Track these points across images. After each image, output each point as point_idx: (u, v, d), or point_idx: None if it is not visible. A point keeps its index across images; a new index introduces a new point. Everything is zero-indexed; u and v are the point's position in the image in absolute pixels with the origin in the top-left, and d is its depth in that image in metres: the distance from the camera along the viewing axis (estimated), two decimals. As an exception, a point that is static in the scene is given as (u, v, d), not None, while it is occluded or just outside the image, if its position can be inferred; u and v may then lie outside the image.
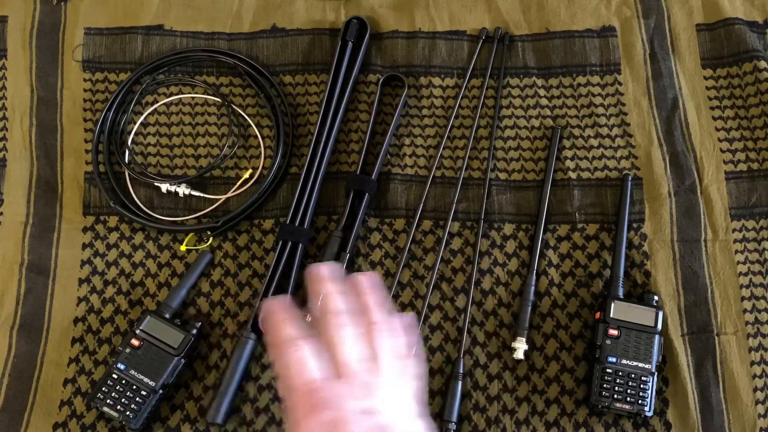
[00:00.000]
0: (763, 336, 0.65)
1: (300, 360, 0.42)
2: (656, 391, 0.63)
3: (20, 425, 0.62)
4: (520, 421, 0.62)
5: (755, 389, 0.63)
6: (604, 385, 0.60)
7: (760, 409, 0.62)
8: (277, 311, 0.44)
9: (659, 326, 0.62)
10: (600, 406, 0.60)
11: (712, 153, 0.70)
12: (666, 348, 0.64)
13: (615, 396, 0.60)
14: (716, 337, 0.64)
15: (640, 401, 0.60)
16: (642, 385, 0.60)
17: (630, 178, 0.68)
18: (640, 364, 0.61)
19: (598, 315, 0.63)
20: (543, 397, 0.63)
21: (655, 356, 0.61)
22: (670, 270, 0.66)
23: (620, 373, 0.60)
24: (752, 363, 0.64)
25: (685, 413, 0.62)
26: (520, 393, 0.63)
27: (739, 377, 0.63)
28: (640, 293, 0.65)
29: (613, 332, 0.61)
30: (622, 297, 0.64)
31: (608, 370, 0.61)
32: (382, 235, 0.68)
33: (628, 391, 0.60)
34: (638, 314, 0.62)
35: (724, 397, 0.63)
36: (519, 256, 0.67)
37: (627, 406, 0.60)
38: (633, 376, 0.60)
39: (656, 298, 0.64)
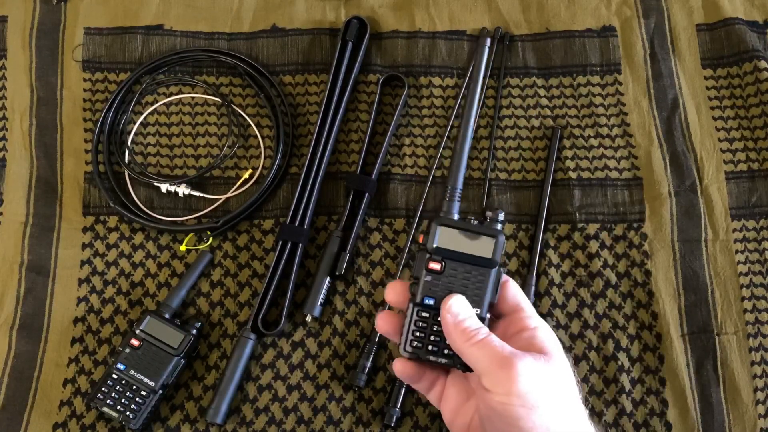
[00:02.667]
0: (764, 336, 0.64)
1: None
2: (654, 391, 0.63)
3: (20, 425, 0.62)
4: (520, 421, 0.62)
5: (755, 389, 0.63)
6: (417, 333, 0.47)
7: (761, 409, 0.62)
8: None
9: (497, 257, 0.47)
10: (413, 357, 0.48)
11: (713, 153, 0.70)
12: (665, 348, 0.64)
13: (429, 347, 0.47)
14: (716, 337, 0.64)
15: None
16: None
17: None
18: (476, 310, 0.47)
19: (421, 238, 0.49)
20: (543, 397, 0.63)
21: (488, 297, 0.47)
22: (670, 270, 0.66)
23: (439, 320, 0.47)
24: (752, 363, 0.64)
25: (685, 413, 0.62)
26: (520, 393, 0.63)
27: (739, 377, 0.63)
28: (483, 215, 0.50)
29: (435, 266, 0.47)
30: (454, 221, 0.49)
31: (424, 315, 0.47)
32: (382, 235, 0.68)
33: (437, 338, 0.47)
34: (470, 244, 0.48)
35: (724, 397, 0.63)
36: (519, 256, 0.67)
37: (443, 360, 0.47)
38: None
39: (501, 214, 0.49)
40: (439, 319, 0.46)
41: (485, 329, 0.45)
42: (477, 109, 0.61)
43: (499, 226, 0.48)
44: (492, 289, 0.47)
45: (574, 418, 0.44)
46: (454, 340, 0.45)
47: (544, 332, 0.47)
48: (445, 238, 0.48)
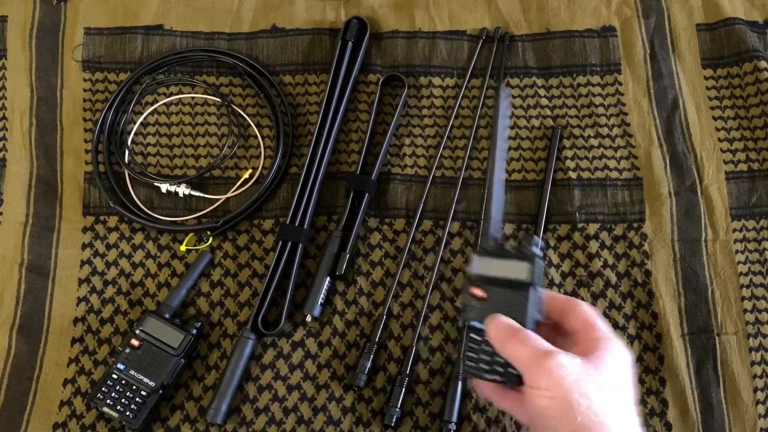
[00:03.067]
0: (764, 336, 0.64)
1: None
2: (654, 392, 0.63)
3: (20, 425, 0.62)
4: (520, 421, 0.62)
5: (756, 389, 0.63)
6: (468, 353, 0.50)
7: (761, 409, 0.62)
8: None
9: (536, 279, 0.49)
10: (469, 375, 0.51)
11: (713, 153, 0.70)
12: (666, 348, 0.64)
13: (482, 365, 0.49)
14: (716, 337, 0.64)
15: (510, 368, 0.49)
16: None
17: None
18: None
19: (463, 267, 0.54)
20: (543, 397, 0.63)
21: (530, 313, 0.49)
22: (670, 270, 0.66)
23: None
24: (752, 363, 0.64)
25: (686, 413, 0.62)
26: (521, 393, 0.63)
27: (739, 377, 0.63)
28: (519, 244, 0.52)
29: (478, 292, 0.50)
30: (490, 251, 0.51)
31: (472, 335, 0.50)
32: (382, 235, 0.68)
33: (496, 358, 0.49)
34: (507, 268, 0.50)
35: (724, 397, 0.63)
36: (519, 256, 0.67)
37: (499, 378, 0.49)
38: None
39: (540, 242, 0.54)
40: (486, 338, 0.49)
41: (528, 331, 0.47)
42: (504, 151, 0.65)
43: (536, 250, 0.50)
44: (533, 307, 0.49)
45: (623, 417, 0.44)
46: (498, 343, 0.47)
47: (606, 342, 0.46)
48: (484, 265, 0.51)
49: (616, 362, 0.46)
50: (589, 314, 0.49)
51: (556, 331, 0.50)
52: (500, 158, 0.56)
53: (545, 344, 0.46)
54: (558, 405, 0.43)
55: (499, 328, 0.48)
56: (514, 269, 0.50)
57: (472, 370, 0.50)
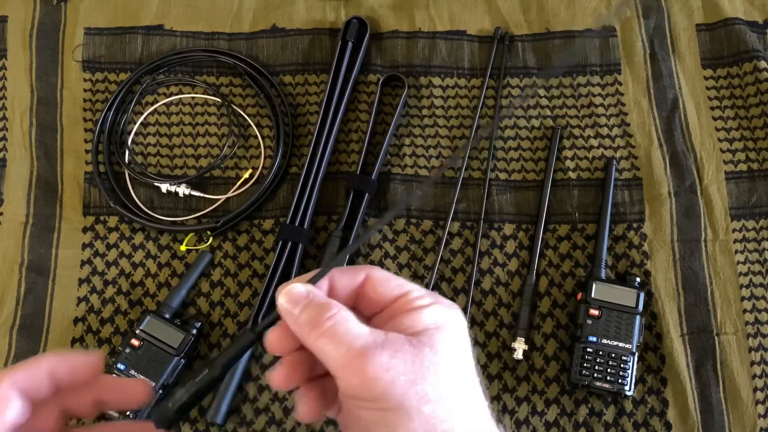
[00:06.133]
0: (763, 336, 0.64)
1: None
2: (655, 391, 0.63)
3: (20, 425, 0.62)
4: (520, 421, 0.62)
5: (755, 389, 0.63)
6: (585, 364, 0.61)
7: (761, 409, 0.62)
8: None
9: (640, 307, 0.62)
10: (580, 385, 0.61)
11: (712, 153, 0.70)
12: (666, 348, 0.64)
13: (595, 375, 0.61)
14: (716, 337, 0.64)
15: (620, 380, 0.60)
16: (622, 365, 0.61)
17: (615, 162, 0.69)
18: (621, 344, 0.61)
19: (579, 296, 0.64)
20: (543, 397, 0.63)
21: (636, 336, 0.62)
22: (670, 270, 0.66)
23: (601, 353, 0.61)
24: (752, 363, 0.64)
25: (685, 413, 0.62)
26: (520, 393, 0.63)
27: (739, 377, 0.63)
28: (623, 274, 0.66)
29: (594, 312, 0.62)
30: (604, 278, 0.64)
31: (589, 350, 0.61)
32: (382, 235, 0.68)
33: (608, 370, 0.61)
34: (619, 295, 0.63)
35: (724, 397, 0.63)
36: (519, 256, 0.67)
37: (607, 385, 0.60)
38: (614, 355, 0.61)
39: (638, 279, 0.64)
40: (600, 352, 0.61)
41: (338, 311, 0.35)
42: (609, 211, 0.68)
43: (636, 281, 0.64)
44: (639, 330, 0.62)
45: (470, 408, 0.35)
46: (299, 334, 0.35)
47: (431, 314, 0.35)
48: (599, 291, 0.63)
49: (450, 338, 0.35)
50: (390, 280, 0.37)
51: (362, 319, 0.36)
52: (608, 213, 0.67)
53: (361, 334, 0.34)
54: (392, 418, 0.32)
55: (296, 310, 0.36)
56: (624, 297, 0.63)
57: (587, 379, 0.60)
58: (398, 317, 0.35)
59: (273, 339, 0.37)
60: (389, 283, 0.37)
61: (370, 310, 0.38)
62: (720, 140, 0.71)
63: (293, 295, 0.36)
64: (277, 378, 0.37)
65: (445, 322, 0.35)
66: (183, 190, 0.69)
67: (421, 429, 0.32)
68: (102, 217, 0.69)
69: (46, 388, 0.35)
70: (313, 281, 0.37)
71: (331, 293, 0.37)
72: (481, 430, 0.35)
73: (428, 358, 0.33)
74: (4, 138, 0.72)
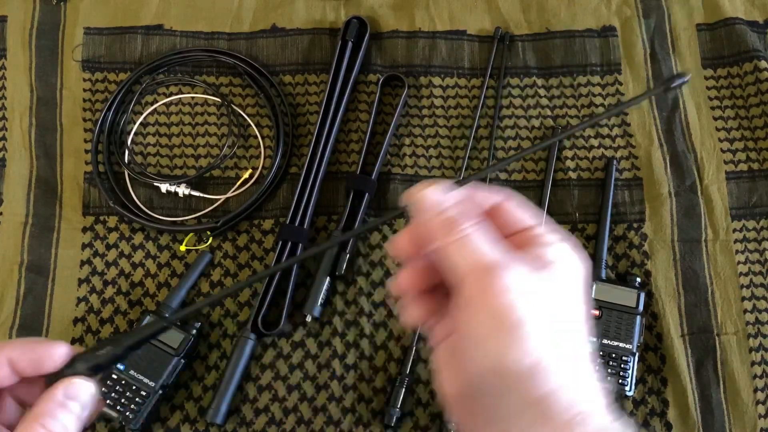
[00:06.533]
0: (764, 336, 0.64)
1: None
2: (655, 391, 0.63)
3: (20, 425, 0.62)
4: (520, 422, 0.62)
5: (756, 389, 0.63)
6: None
7: (761, 409, 0.62)
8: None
9: (641, 307, 0.63)
10: None
11: (713, 153, 0.70)
12: (666, 348, 0.64)
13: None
14: (716, 338, 0.64)
15: (620, 380, 0.61)
16: (623, 365, 0.61)
17: (615, 162, 0.69)
18: (622, 344, 0.61)
19: None
20: (543, 398, 0.63)
21: (636, 336, 0.62)
22: (670, 270, 0.66)
23: (601, 353, 0.61)
24: (753, 363, 0.64)
25: (686, 413, 0.62)
26: (521, 393, 0.63)
27: (739, 377, 0.63)
28: (623, 275, 0.66)
29: (595, 312, 0.62)
30: (604, 278, 0.64)
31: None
32: (382, 235, 0.68)
33: (609, 370, 0.61)
34: (620, 295, 0.63)
35: (724, 397, 0.63)
36: (519, 256, 0.67)
37: (607, 385, 0.59)
38: (614, 355, 0.61)
39: (638, 279, 0.64)
40: (601, 352, 0.60)
41: (475, 223, 0.35)
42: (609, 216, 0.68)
43: (637, 282, 0.64)
44: (639, 330, 0.62)
45: (576, 347, 0.34)
46: (427, 235, 0.35)
47: (555, 249, 0.35)
48: (600, 291, 0.63)
49: (574, 278, 0.35)
50: (526, 209, 0.37)
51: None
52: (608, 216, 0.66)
53: (492, 249, 0.34)
54: (506, 336, 0.32)
55: (432, 210, 0.35)
56: (624, 297, 0.63)
57: None
58: (527, 246, 0.35)
59: (399, 239, 0.37)
60: (525, 211, 0.37)
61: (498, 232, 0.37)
62: (720, 140, 0.71)
63: (434, 197, 0.35)
64: (402, 278, 0.37)
65: (571, 262, 0.35)
66: (183, 190, 0.69)
67: (536, 351, 0.32)
68: (102, 217, 0.69)
69: (7, 377, 0.37)
70: (453, 188, 0.36)
71: (466, 205, 0.36)
72: (585, 369, 0.34)
73: (552, 287, 0.33)
74: (3, 138, 0.72)
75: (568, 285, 0.34)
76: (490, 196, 0.37)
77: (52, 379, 0.37)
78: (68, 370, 0.37)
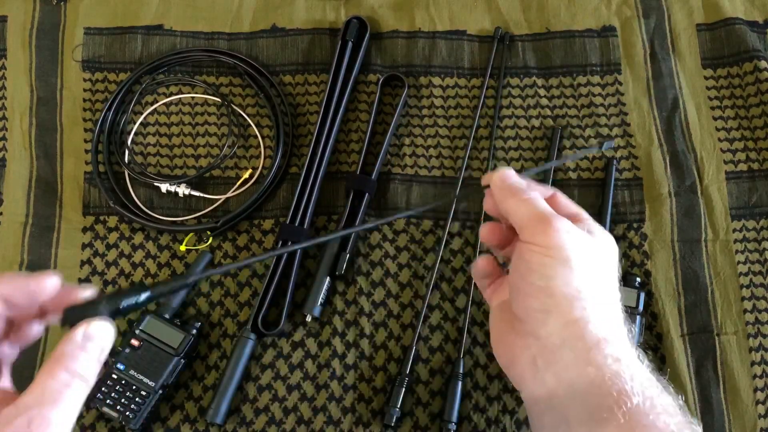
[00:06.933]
0: (764, 336, 0.64)
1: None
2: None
3: (20, 425, 0.62)
4: (520, 421, 0.62)
5: (756, 389, 0.63)
6: None
7: (761, 409, 0.62)
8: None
9: (641, 307, 0.63)
10: None
11: (713, 153, 0.70)
12: (666, 348, 0.64)
13: None
14: (716, 338, 0.64)
15: None
16: None
17: (615, 162, 0.69)
18: None
19: None
20: (543, 398, 0.63)
21: (636, 336, 0.62)
22: (670, 270, 0.66)
23: None
24: (753, 363, 0.64)
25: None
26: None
27: (739, 377, 0.63)
28: (623, 274, 0.66)
29: None
30: None
31: None
32: (382, 235, 0.68)
33: None
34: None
35: (724, 397, 0.63)
36: (519, 256, 0.67)
37: (634, 330, 0.61)
38: None
39: (638, 279, 0.64)
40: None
41: (535, 192, 0.47)
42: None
43: (637, 281, 0.64)
44: (639, 330, 0.62)
45: (608, 293, 0.44)
46: (501, 195, 0.47)
47: (595, 226, 0.47)
48: None
49: (612, 257, 0.46)
50: (571, 205, 0.49)
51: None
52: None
53: (548, 208, 0.45)
54: (558, 265, 0.42)
55: (505, 181, 0.47)
56: (624, 297, 0.60)
57: None
58: (575, 222, 0.46)
59: (488, 205, 0.49)
60: (570, 205, 0.49)
61: None
62: (720, 140, 0.71)
63: (508, 174, 0.48)
64: (488, 228, 0.50)
65: (609, 239, 0.46)
66: (183, 190, 0.69)
67: (577, 280, 0.42)
68: (102, 217, 0.69)
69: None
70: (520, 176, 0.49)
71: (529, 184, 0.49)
72: (615, 314, 0.44)
73: (593, 247, 0.44)
74: (3, 138, 0.72)
75: (605, 252, 0.45)
76: (546, 190, 0.49)
77: (71, 318, 0.38)
78: (89, 311, 0.38)
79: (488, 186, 0.48)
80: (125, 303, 0.39)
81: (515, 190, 0.46)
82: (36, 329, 0.44)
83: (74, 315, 0.38)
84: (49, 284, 0.40)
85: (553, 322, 0.42)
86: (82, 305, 0.39)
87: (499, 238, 0.50)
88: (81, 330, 0.38)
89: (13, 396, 0.38)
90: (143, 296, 0.40)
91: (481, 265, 0.52)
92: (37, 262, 0.67)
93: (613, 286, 0.45)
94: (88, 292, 0.40)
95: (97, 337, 0.39)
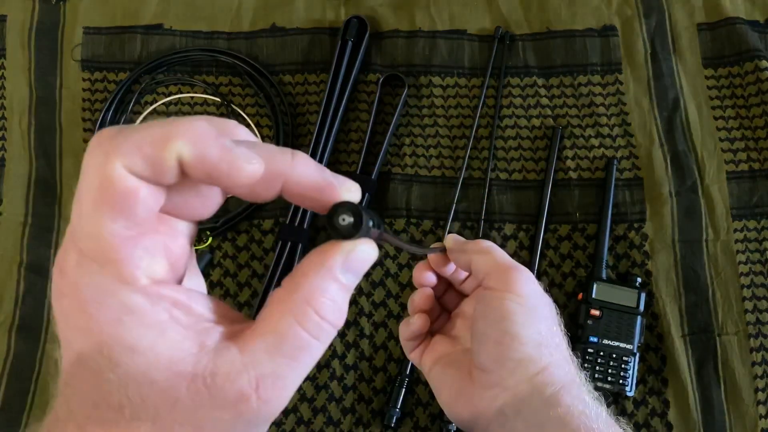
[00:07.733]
0: (765, 336, 0.64)
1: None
2: (656, 392, 0.62)
3: (19, 425, 0.62)
4: (520, 422, 0.62)
5: (756, 390, 0.63)
6: (585, 365, 0.61)
7: (762, 409, 0.62)
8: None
9: (641, 307, 0.63)
10: None
11: (714, 153, 0.70)
12: (667, 348, 0.64)
13: (596, 375, 0.61)
14: (717, 338, 0.64)
15: (621, 381, 0.61)
16: (623, 365, 0.61)
17: (616, 162, 0.69)
18: (622, 344, 0.62)
19: (580, 296, 0.64)
20: (543, 398, 0.63)
21: (637, 337, 0.62)
22: (671, 270, 0.66)
23: (601, 353, 0.61)
24: (753, 363, 0.64)
25: (687, 414, 0.62)
26: (521, 393, 0.63)
27: (740, 378, 0.63)
28: (623, 275, 0.66)
29: (595, 312, 0.63)
30: (604, 278, 0.64)
31: (590, 350, 0.61)
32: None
33: (609, 370, 0.61)
34: (620, 295, 0.63)
35: (725, 397, 0.63)
36: (519, 257, 0.67)
37: (608, 386, 0.61)
38: (614, 356, 0.61)
39: (639, 279, 0.64)
40: (601, 352, 0.61)
41: (492, 245, 0.47)
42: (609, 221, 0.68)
43: (638, 282, 0.64)
44: (640, 330, 0.62)
45: (562, 338, 0.45)
46: (463, 254, 0.47)
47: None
48: (600, 291, 0.63)
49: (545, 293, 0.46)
50: (498, 252, 0.46)
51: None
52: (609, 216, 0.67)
53: (511, 260, 0.46)
54: (528, 312, 0.43)
55: (459, 240, 0.48)
56: (625, 297, 0.63)
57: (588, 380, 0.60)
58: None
59: (435, 259, 0.49)
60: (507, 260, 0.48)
61: None
62: (721, 140, 0.71)
63: (458, 238, 0.49)
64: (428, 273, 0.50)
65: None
66: (182, 190, 0.69)
67: (544, 327, 0.43)
68: (101, 217, 0.69)
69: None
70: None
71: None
72: (572, 360, 0.45)
73: (546, 294, 0.45)
74: (2, 138, 0.72)
75: (549, 299, 0.46)
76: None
77: (345, 223, 0.26)
78: (351, 228, 0.26)
79: (440, 249, 0.48)
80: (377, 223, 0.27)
81: (478, 248, 0.46)
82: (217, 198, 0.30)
83: (349, 223, 0.25)
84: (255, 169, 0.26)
85: (522, 370, 0.42)
86: (366, 212, 0.26)
87: (439, 287, 0.50)
88: (341, 259, 0.27)
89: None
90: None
91: (417, 326, 0.49)
92: (36, 262, 0.67)
93: (561, 330, 0.46)
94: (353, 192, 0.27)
95: (360, 268, 0.28)
